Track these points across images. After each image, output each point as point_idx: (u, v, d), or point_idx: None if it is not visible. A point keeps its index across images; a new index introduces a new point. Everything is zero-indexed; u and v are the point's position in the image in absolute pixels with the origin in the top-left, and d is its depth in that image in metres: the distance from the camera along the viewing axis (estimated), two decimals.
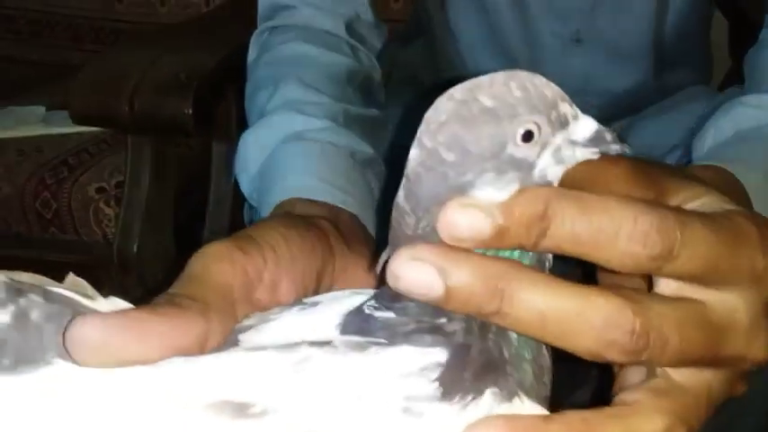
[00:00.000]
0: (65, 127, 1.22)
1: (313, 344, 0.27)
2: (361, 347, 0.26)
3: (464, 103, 0.26)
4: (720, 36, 0.96)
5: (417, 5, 0.89)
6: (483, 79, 0.26)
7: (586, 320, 0.26)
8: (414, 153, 0.26)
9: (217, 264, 0.30)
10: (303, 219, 0.36)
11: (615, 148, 0.27)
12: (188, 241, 1.10)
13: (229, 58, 0.95)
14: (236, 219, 1.04)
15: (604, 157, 0.28)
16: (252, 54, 0.69)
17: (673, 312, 0.27)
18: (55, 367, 0.26)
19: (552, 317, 0.26)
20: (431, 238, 0.26)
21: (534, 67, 0.79)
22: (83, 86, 0.94)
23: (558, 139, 0.27)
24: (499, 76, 0.26)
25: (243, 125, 1.02)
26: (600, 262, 0.27)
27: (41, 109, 1.32)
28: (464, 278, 0.25)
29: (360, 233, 0.43)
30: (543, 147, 0.26)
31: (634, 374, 0.29)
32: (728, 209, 0.29)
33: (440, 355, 0.26)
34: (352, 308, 0.28)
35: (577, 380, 0.32)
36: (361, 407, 0.25)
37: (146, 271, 1.01)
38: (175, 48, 0.98)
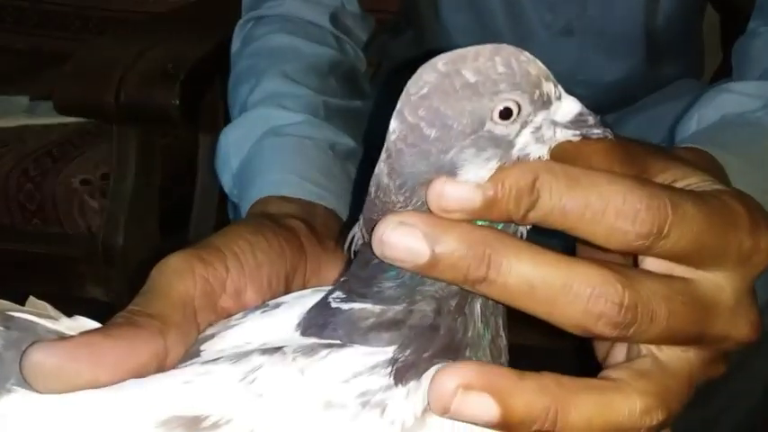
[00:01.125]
0: (48, 117, 1.21)
1: (264, 351, 0.27)
2: (311, 352, 0.26)
3: (446, 76, 0.25)
4: (712, 32, 0.96)
5: None
6: (469, 50, 0.26)
7: (575, 291, 0.26)
8: (394, 125, 0.26)
9: (177, 276, 0.30)
10: (273, 220, 0.37)
11: (597, 132, 0.27)
12: (173, 233, 1.09)
13: (216, 48, 0.94)
14: (223, 210, 1.03)
15: (595, 139, 0.28)
16: (235, 45, 0.68)
17: (661, 287, 0.27)
18: (13, 396, 0.26)
19: (540, 286, 0.25)
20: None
21: None
22: (69, 77, 0.93)
23: (540, 118, 0.26)
24: (485, 50, 0.26)
25: (229, 116, 1.01)
26: (587, 237, 0.27)
27: (25, 99, 1.31)
28: (452, 244, 0.25)
29: (335, 228, 0.43)
30: (523, 125, 0.26)
31: (620, 354, 0.30)
32: (718, 188, 0.29)
33: (389, 353, 0.26)
34: (321, 297, 0.28)
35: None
36: (311, 412, 0.25)
37: (130, 263, 1.00)
38: (162, 38, 0.97)
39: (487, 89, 0.25)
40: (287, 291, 0.34)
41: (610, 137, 0.27)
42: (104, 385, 0.26)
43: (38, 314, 0.29)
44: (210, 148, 1.01)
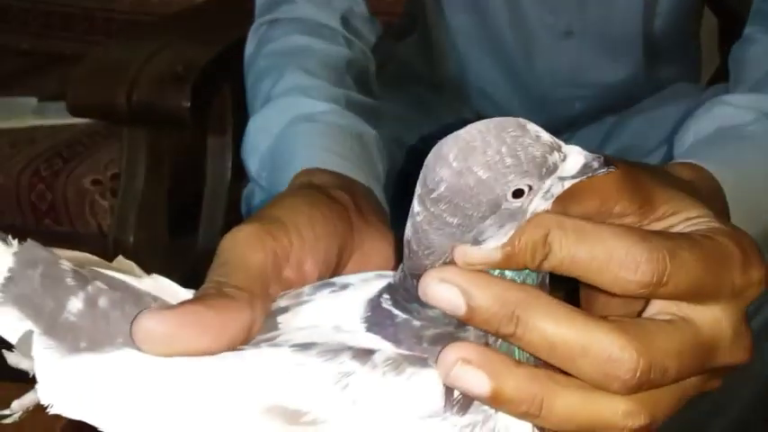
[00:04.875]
0: (58, 118, 1.22)
1: (354, 355, 0.29)
2: (398, 368, 0.29)
3: (460, 175, 0.28)
4: (709, 35, 0.97)
5: (411, 0, 0.89)
6: (475, 142, 0.28)
7: (592, 355, 0.28)
8: (418, 209, 0.29)
9: (251, 248, 0.32)
10: (325, 194, 0.38)
11: (601, 171, 0.29)
12: (181, 233, 1.11)
13: (225, 50, 0.96)
14: (232, 211, 1.05)
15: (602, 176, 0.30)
16: (250, 47, 0.70)
17: (672, 344, 0.29)
18: (125, 351, 0.29)
19: (561, 347, 0.28)
20: None
21: (526, 59, 0.81)
22: (80, 79, 0.94)
23: (548, 182, 0.29)
24: (491, 138, 0.28)
25: (237, 118, 1.02)
26: (594, 284, 0.29)
27: (33, 100, 1.32)
28: (485, 302, 0.28)
29: (374, 205, 0.45)
30: (534, 194, 0.29)
31: None
32: (714, 227, 0.31)
33: None
34: (375, 293, 0.31)
35: None
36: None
37: (140, 262, 1.01)
38: (172, 40, 0.98)
39: (499, 182, 0.28)
40: (339, 263, 0.36)
41: (613, 171, 0.30)
42: (205, 353, 0.28)
43: (124, 272, 0.31)
44: (219, 148, 1.03)
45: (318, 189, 0.40)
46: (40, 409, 0.29)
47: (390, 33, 0.84)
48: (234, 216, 1.04)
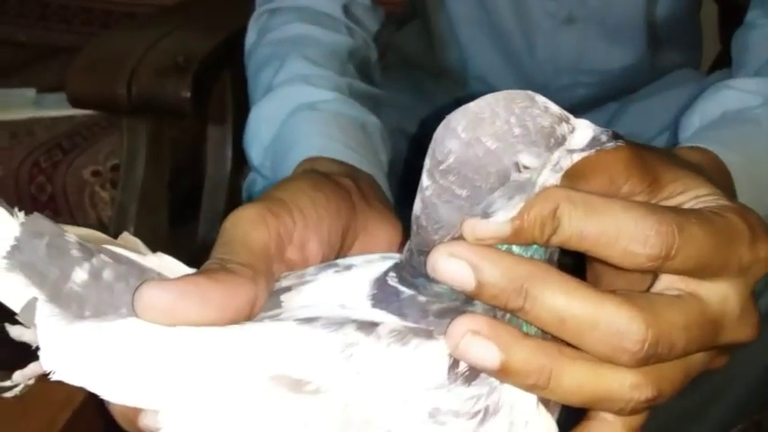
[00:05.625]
0: (56, 109, 1.22)
1: (359, 327, 0.29)
2: (403, 339, 0.29)
3: (469, 145, 0.28)
4: (709, 21, 0.97)
5: None
6: (483, 110, 0.28)
7: (601, 327, 0.28)
8: (427, 183, 0.29)
9: (254, 227, 0.32)
10: (328, 178, 0.38)
11: (610, 145, 0.30)
12: (181, 224, 1.11)
13: (225, 41, 0.96)
14: (232, 201, 1.05)
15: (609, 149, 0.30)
16: (251, 36, 0.69)
17: (679, 317, 0.29)
18: (129, 320, 0.29)
19: (570, 320, 0.28)
20: None
21: (527, 46, 0.80)
22: (80, 70, 0.94)
23: (557, 154, 0.29)
24: (499, 107, 0.28)
25: (238, 108, 1.02)
26: (603, 258, 0.29)
27: (32, 91, 1.31)
28: (494, 276, 0.28)
29: (377, 192, 0.45)
30: (543, 166, 0.29)
31: None
32: (722, 204, 0.32)
33: None
34: (381, 273, 0.31)
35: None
36: (398, 406, 0.28)
37: None
38: (172, 31, 0.98)
39: (507, 152, 0.28)
40: (342, 246, 0.36)
41: (621, 145, 0.30)
42: (207, 324, 0.28)
43: (129, 248, 0.31)
44: (219, 139, 1.03)
45: (322, 174, 0.40)
46: (45, 391, 0.29)
47: (391, 21, 0.83)
48: (234, 206, 1.04)
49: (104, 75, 0.92)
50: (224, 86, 0.99)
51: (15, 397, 0.32)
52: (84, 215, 1.10)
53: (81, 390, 0.29)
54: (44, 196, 1.11)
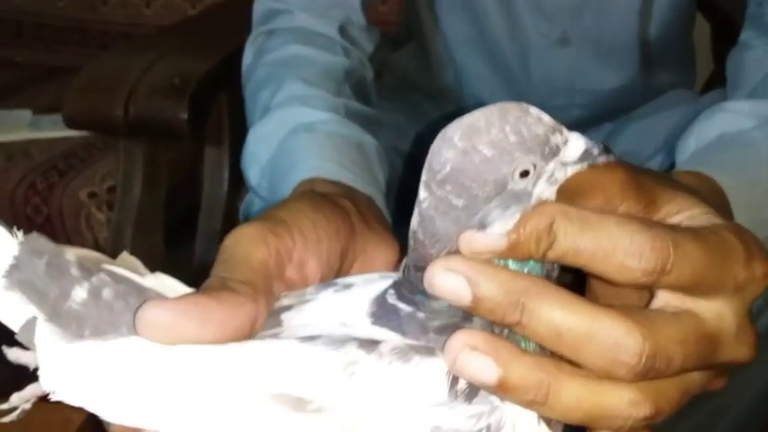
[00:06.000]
0: (53, 131, 1.22)
1: (361, 345, 0.29)
2: (405, 357, 0.29)
3: (465, 153, 0.28)
4: (702, 40, 0.98)
5: (408, 7, 0.90)
6: (479, 120, 0.28)
7: (598, 341, 0.28)
8: (424, 195, 0.29)
9: (254, 245, 0.32)
10: (327, 199, 0.38)
11: (601, 159, 0.30)
12: (177, 245, 1.10)
13: (222, 62, 0.96)
14: (228, 222, 1.05)
15: (602, 164, 0.30)
16: (248, 57, 0.70)
17: (676, 332, 0.29)
18: (129, 339, 0.29)
19: (567, 334, 0.28)
20: None
21: (522, 67, 0.81)
22: (77, 91, 0.94)
23: (551, 166, 0.29)
24: (494, 116, 0.28)
25: (234, 129, 1.02)
26: (599, 273, 0.29)
27: (28, 113, 1.32)
28: (491, 290, 0.28)
29: (376, 213, 0.45)
30: (539, 176, 0.29)
31: None
32: (716, 223, 0.32)
33: None
34: (380, 291, 0.31)
35: None
36: (400, 424, 0.28)
37: None
38: (169, 52, 0.98)
39: (504, 160, 0.28)
40: (341, 266, 0.36)
41: (613, 160, 0.30)
42: (208, 344, 0.28)
43: (128, 268, 0.31)
44: (216, 160, 1.03)
45: (322, 195, 0.40)
46: (44, 414, 0.28)
47: (386, 42, 0.84)
48: (231, 227, 1.04)
49: (101, 96, 0.92)
50: (221, 107, 0.99)
51: (13, 422, 0.31)
52: (81, 237, 1.10)
53: (79, 412, 0.29)
54: (40, 218, 1.11)
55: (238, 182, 1.03)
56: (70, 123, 0.95)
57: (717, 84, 0.85)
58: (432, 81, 0.88)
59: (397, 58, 0.91)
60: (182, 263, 1.09)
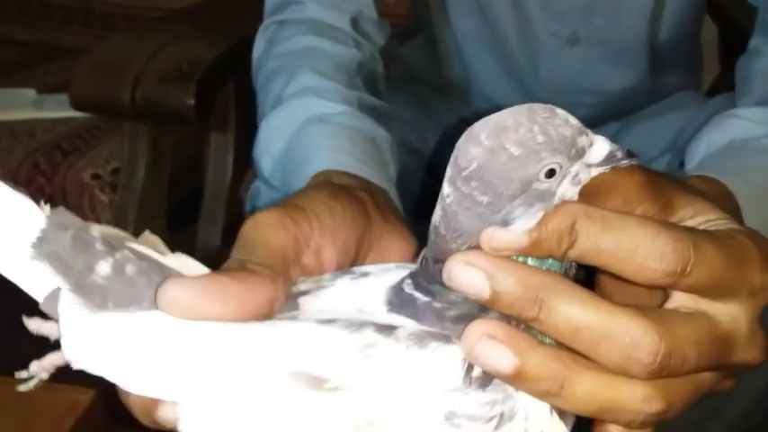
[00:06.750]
0: (57, 111, 1.22)
1: (378, 329, 0.29)
2: (421, 342, 0.29)
3: (492, 152, 0.28)
4: (708, 43, 0.98)
5: (417, 2, 0.90)
6: (507, 119, 0.29)
7: (615, 338, 0.29)
8: (448, 190, 0.29)
9: (273, 230, 0.33)
10: (345, 190, 0.39)
11: (624, 162, 0.30)
12: (179, 229, 1.10)
13: (230, 49, 0.96)
14: (232, 208, 1.05)
15: (621, 167, 0.31)
16: (258, 48, 0.70)
17: (691, 332, 0.30)
18: (152, 312, 0.29)
19: (585, 330, 0.29)
20: None
21: (531, 64, 0.81)
22: (84, 74, 0.94)
23: (576, 167, 0.30)
24: (522, 117, 0.29)
25: (240, 116, 1.01)
26: (619, 273, 0.30)
27: (32, 92, 1.31)
28: (510, 285, 0.28)
29: (391, 206, 0.46)
30: (563, 177, 0.29)
31: None
32: (733, 228, 0.32)
33: None
34: (397, 281, 0.31)
35: None
36: (415, 407, 0.29)
37: None
38: (177, 37, 0.98)
39: (531, 159, 0.28)
40: (357, 255, 0.36)
41: (636, 163, 0.31)
42: (228, 321, 0.29)
43: (150, 247, 0.32)
44: (221, 146, 1.03)
45: (339, 186, 0.41)
46: (52, 395, 0.29)
47: (395, 35, 0.84)
48: (233, 213, 1.04)
49: (109, 80, 0.92)
50: (227, 93, 0.99)
51: (20, 402, 0.32)
52: (84, 218, 1.08)
53: (86, 394, 0.29)
54: (43, 198, 1.10)
55: (242, 168, 1.03)
56: (77, 106, 0.95)
57: (723, 87, 0.85)
58: (439, 75, 0.88)
59: (405, 51, 0.90)
60: (183, 246, 1.09)
